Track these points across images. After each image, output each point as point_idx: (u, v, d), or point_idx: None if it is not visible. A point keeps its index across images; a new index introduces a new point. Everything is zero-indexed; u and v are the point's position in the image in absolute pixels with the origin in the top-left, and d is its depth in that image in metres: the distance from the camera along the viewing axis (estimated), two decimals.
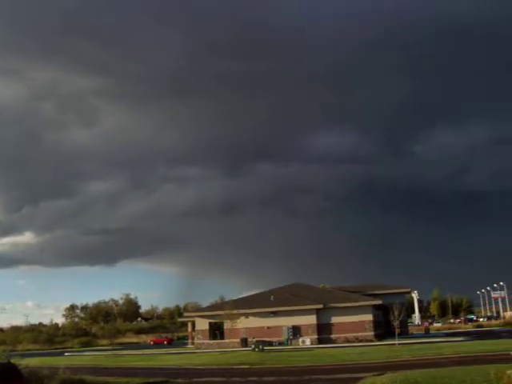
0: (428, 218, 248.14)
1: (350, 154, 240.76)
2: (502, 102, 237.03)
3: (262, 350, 50.18)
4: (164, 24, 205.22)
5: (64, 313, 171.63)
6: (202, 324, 66.30)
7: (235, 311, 58.73)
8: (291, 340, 61.04)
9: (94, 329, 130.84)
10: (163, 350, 64.82)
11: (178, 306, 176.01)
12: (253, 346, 52.37)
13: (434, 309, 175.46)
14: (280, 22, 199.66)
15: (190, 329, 76.57)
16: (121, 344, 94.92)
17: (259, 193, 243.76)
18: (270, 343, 58.57)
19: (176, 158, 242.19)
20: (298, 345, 59.12)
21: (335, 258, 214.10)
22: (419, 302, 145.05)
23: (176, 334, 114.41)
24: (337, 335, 60.78)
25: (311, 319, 61.47)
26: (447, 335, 68.70)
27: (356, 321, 60.75)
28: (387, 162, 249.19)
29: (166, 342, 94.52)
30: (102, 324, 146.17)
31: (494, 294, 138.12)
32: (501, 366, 19.54)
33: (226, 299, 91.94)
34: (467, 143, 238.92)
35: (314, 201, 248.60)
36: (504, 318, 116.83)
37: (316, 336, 60.67)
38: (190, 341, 75.70)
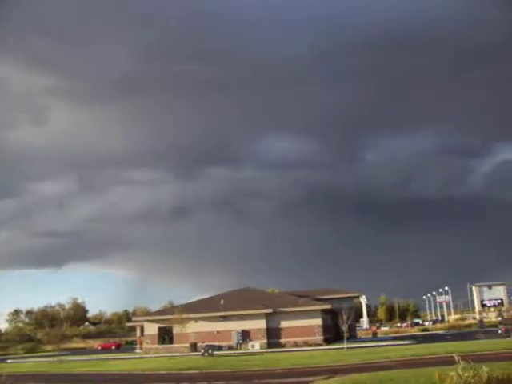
0: (376, 224, 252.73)
1: (303, 160, 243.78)
2: (449, 113, 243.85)
3: (212, 354, 49.99)
4: (115, 24, 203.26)
5: (8, 318, 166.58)
6: (151, 329, 65.53)
7: (185, 315, 58.27)
8: (241, 344, 60.96)
9: (40, 334, 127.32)
10: (111, 356, 63.74)
11: (126, 311, 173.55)
12: (202, 351, 52.12)
13: (381, 313, 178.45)
14: (229, 27, 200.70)
15: (138, 333, 75.50)
16: (67, 350, 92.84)
17: (211, 196, 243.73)
18: (220, 348, 58.31)
19: (128, 159, 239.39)
20: (248, 349, 59.10)
21: (286, 262, 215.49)
22: (367, 306, 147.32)
23: (124, 339, 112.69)
24: (286, 339, 61.03)
25: (261, 323, 61.56)
26: (394, 339, 69.98)
27: (305, 325, 61.18)
28: (339, 168, 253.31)
29: (113, 347, 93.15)
30: (47, 329, 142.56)
31: (439, 299, 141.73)
32: (444, 368, 19.98)
33: (176, 303, 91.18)
34: (414, 151, 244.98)
35: (266, 205, 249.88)
36: (448, 321, 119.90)
37: (265, 340, 60.77)
38: (138, 346, 74.66)
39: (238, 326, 61.78)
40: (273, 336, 61.29)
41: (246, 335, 61.45)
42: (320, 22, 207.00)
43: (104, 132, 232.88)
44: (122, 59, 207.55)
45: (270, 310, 61.60)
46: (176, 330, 60.38)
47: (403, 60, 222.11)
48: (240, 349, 59.88)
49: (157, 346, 63.94)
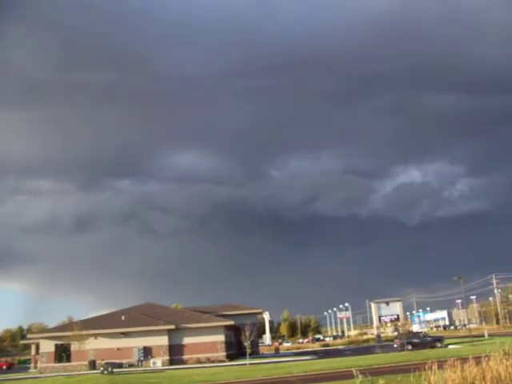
0: (281, 241, 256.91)
1: (211, 175, 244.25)
2: (353, 136, 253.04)
3: (111, 372, 48.43)
4: (22, 30, 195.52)
5: None
6: (47, 346, 62.53)
7: (84, 332, 56.20)
8: (142, 361, 59.48)
9: None
10: (1, 376, 60.28)
11: (21, 327, 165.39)
12: (101, 369, 50.37)
13: (284, 329, 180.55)
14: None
15: (33, 352, 72.05)
16: None
17: (116, 209, 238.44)
18: (120, 365, 56.68)
19: (29, 169, 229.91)
20: (149, 366, 57.76)
21: (190, 278, 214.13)
22: (270, 322, 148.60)
23: (17, 358, 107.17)
24: (189, 356, 60.23)
25: (163, 340, 60.41)
26: (296, 354, 70.83)
27: (208, 341, 60.65)
28: (246, 184, 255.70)
29: (5, 367, 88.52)
30: None
31: (339, 315, 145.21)
32: (344, 382, 20.36)
33: (75, 319, 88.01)
34: (319, 171, 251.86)
35: (172, 220, 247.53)
36: (348, 336, 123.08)
37: (168, 357, 59.66)
38: (33, 365, 71.23)
39: (139, 342, 60.28)
40: (175, 353, 60.29)
41: (147, 352, 60.05)
42: (232, 41, 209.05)
43: (4, 139, 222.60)
44: (30, 66, 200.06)
45: (172, 326, 60.59)
46: (74, 347, 58.06)
47: (311, 83, 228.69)
48: (141, 366, 58.41)
49: (53, 364, 61.09)
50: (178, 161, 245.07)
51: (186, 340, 60.85)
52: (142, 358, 59.66)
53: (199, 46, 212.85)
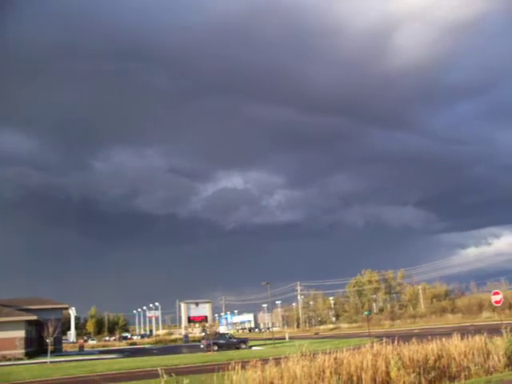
0: (96, 235, 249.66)
1: (27, 159, 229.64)
2: (180, 136, 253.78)
3: None
4: None
5: None
6: None
7: None
8: None
9: None
10: None
11: None
12: None
13: (90, 326, 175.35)
14: None
15: None
16: None
17: None
18: None
19: None
20: None
21: None
22: (76, 318, 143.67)
23: None
24: None
25: None
26: (102, 353, 69.20)
27: (6, 337, 56.71)
28: (65, 173, 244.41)
29: None
30: None
31: (148, 314, 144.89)
32: (148, 381, 20.34)
33: None
34: (143, 167, 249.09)
35: None
36: (156, 336, 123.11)
37: None
38: None
39: None
40: None
41: None
42: (71, 16, 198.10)
43: None
44: None
45: None
46: None
47: (146, 76, 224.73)
48: None
49: None
50: None
51: None
52: None
53: (32, 16, 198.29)
